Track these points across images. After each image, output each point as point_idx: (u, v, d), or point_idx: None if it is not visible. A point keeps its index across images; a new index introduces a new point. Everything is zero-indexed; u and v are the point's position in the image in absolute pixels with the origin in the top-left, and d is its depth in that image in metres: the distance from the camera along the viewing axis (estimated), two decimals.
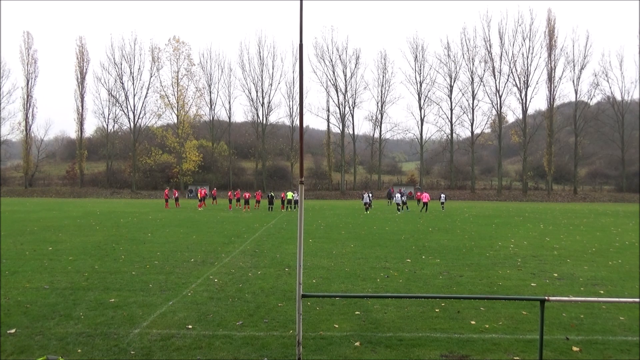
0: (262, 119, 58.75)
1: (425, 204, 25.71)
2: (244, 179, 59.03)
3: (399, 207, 27.19)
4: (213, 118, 58.30)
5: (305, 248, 10.29)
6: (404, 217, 21.16)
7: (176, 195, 30.10)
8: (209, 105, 57.91)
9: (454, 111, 56.29)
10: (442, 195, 27.63)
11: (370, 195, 23.89)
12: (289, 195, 26.37)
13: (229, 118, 59.20)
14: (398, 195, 28.74)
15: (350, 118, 57.91)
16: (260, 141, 58.01)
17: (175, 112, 56.00)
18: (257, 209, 26.40)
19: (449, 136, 56.73)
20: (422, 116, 57.11)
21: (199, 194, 29.63)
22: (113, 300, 5.85)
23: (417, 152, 59.41)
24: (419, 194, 42.75)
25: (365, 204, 23.26)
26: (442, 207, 26.95)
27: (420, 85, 57.08)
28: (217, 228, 15.05)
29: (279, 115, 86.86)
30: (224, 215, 21.38)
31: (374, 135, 60.31)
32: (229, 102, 58.83)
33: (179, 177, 54.18)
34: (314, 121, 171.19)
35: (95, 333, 4.61)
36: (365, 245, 11.20)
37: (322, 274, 7.55)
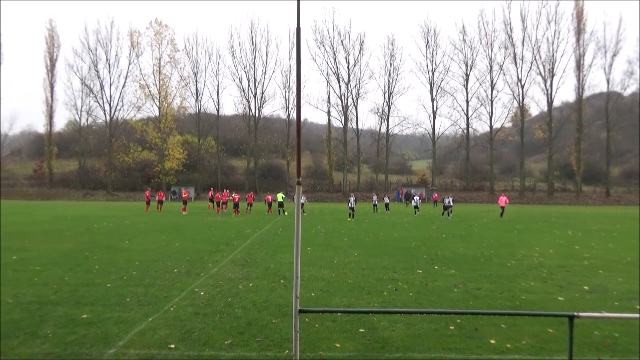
0: (255, 112, 58.90)
1: (447, 207, 25.11)
2: (234, 179, 59.08)
3: (416, 210, 27.22)
4: (199, 110, 58.49)
5: (303, 257, 10.27)
6: (414, 223, 21.17)
7: (161, 198, 29.88)
8: (195, 96, 58.14)
9: (470, 103, 56.58)
10: (448, 199, 25.31)
11: (355, 200, 23.31)
12: (280, 196, 26.24)
13: (217, 111, 59.40)
14: (417, 197, 28.77)
15: (354, 110, 57.87)
16: (252, 136, 58.10)
17: (157, 103, 56.13)
18: (248, 213, 26.39)
19: (465, 131, 56.95)
20: (435, 109, 57.32)
21: (182, 196, 29.83)
22: (85, 316, 5.82)
23: (428, 149, 59.56)
24: (435, 195, 42.92)
25: (350, 209, 22.85)
26: (449, 213, 24.74)
27: (433, 74, 57.32)
28: (203, 234, 15.04)
29: (274, 107, 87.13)
30: (212, 220, 21.34)
31: (380, 130, 60.61)
32: (218, 93, 59.41)
33: (160, 177, 54.20)
34: (313, 114, 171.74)
35: (64, 353, 4.58)
36: (370, 253, 11.18)
37: (322, 287, 7.55)
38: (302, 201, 26.86)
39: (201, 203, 44.74)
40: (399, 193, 52.06)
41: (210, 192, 28.96)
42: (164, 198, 31.21)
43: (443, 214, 25.05)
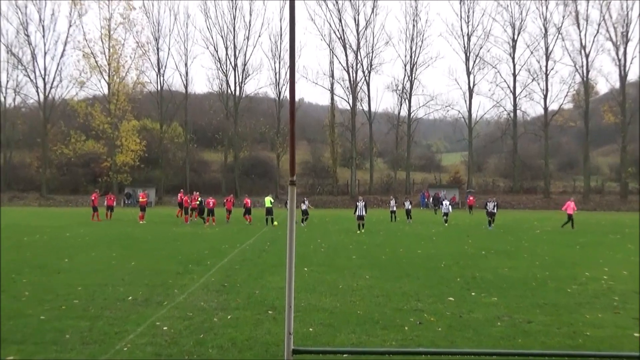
0: (235, 89, 59.10)
1: (491, 214, 25.06)
2: (207, 178, 59.35)
3: (446, 219, 27.33)
4: (162, 87, 58.72)
5: (299, 280, 10.27)
6: (444, 235, 21.25)
7: (111, 202, 30.19)
8: (156, 69, 58.37)
9: (518, 77, 56.84)
10: (493, 203, 25.60)
11: (365, 205, 23.25)
12: (267, 201, 26.26)
13: (186, 88, 59.64)
14: (447, 202, 28.82)
15: (365, 87, 58.07)
16: (231, 121, 58.26)
17: (106, 78, 56.31)
18: (227, 223, 26.44)
19: (511, 115, 57.10)
20: (471, 85, 57.51)
21: (140, 200, 29.97)
22: (12, 358, 5.82)
23: (463, 139, 59.77)
24: (471, 197, 42.98)
25: (359, 217, 22.88)
26: (491, 222, 25.14)
27: (469, 40, 57.50)
28: (167, 250, 15.08)
29: (260, 83, 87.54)
30: (179, 232, 21.42)
31: (399, 113, 60.75)
32: (186, 65, 59.24)
33: (110, 175, 54.38)
34: (312, 92, 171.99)
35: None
36: (386, 276, 11.20)
37: (324, 319, 7.57)
38: (304, 207, 27.11)
39: (165, 209, 44.79)
40: (425, 196, 52.22)
41: (179, 195, 29.03)
42: (114, 202, 31.25)
43: (490, 223, 25.05)
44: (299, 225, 24.65)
